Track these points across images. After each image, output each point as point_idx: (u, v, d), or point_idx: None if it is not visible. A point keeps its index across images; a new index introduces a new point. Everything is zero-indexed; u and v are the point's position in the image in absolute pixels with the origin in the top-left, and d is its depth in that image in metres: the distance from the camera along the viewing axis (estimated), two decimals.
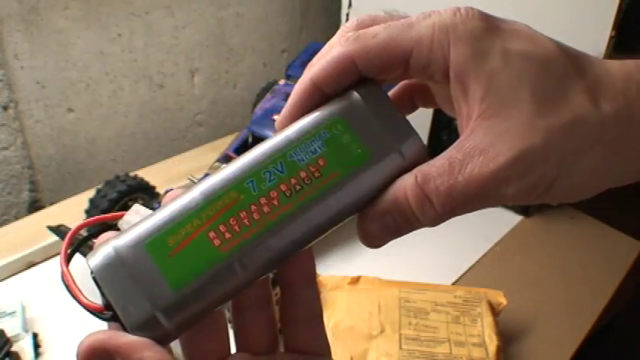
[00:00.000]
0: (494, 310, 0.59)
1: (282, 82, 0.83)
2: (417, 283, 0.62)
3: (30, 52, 0.76)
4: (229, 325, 0.26)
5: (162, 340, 0.22)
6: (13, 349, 0.55)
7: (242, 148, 0.73)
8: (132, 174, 0.68)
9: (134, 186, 0.66)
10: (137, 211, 0.24)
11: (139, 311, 0.22)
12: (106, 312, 0.22)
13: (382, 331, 0.57)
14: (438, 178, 0.22)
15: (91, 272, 0.22)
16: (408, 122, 0.24)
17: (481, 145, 0.22)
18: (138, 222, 0.23)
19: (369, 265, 0.65)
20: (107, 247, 0.22)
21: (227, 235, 0.22)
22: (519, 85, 0.22)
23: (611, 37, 0.66)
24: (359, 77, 0.24)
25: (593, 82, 0.23)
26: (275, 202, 0.23)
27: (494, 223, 0.80)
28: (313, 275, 0.26)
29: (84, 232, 0.28)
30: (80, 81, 0.83)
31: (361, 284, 0.62)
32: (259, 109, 0.78)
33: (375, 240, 0.24)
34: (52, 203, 0.83)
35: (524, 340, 0.62)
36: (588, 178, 0.23)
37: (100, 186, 0.66)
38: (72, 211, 0.73)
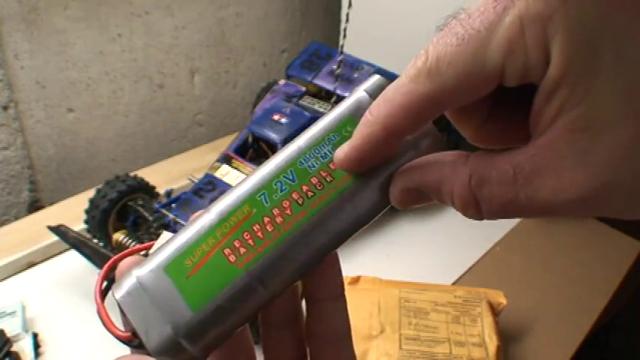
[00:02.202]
0: (494, 310, 0.59)
1: (282, 82, 0.83)
2: (417, 283, 0.62)
3: (30, 52, 0.76)
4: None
5: None
6: (13, 349, 0.55)
7: (242, 148, 0.73)
8: (132, 174, 0.68)
9: (134, 186, 0.66)
10: (165, 238, 0.24)
11: (160, 336, 0.21)
12: (135, 339, 0.22)
13: (382, 331, 0.57)
14: (496, 186, 0.19)
15: (117, 301, 0.22)
16: None
17: (557, 163, 0.18)
18: (159, 248, 0.23)
19: (369, 265, 0.65)
20: (130, 275, 0.22)
21: (242, 250, 0.22)
22: (626, 102, 0.17)
23: None
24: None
25: None
26: (288, 212, 0.22)
27: (494, 223, 0.79)
28: (340, 289, 0.25)
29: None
30: (80, 81, 0.83)
31: (361, 284, 0.62)
32: (259, 109, 0.78)
33: (398, 204, 0.23)
34: (52, 203, 0.83)
35: (524, 340, 0.62)
36: None
37: (100, 186, 0.66)
38: (72, 211, 0.73)
